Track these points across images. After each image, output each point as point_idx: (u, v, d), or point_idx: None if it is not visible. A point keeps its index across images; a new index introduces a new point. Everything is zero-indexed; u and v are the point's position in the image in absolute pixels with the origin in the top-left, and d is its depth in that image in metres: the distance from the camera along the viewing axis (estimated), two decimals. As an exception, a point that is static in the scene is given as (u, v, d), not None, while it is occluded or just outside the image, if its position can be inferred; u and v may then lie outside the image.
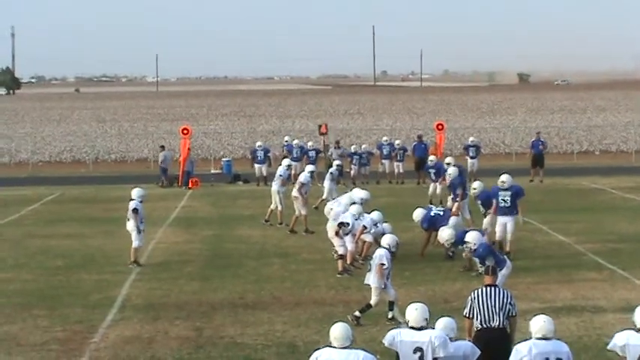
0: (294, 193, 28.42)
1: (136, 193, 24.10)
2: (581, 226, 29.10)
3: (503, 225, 23.99)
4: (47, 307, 19.62)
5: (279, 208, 29.82)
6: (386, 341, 11.75)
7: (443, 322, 12.09)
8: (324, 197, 31.70)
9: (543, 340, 11.39)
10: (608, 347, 11.58)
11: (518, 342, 11.72)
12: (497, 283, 13.52)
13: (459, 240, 21.89)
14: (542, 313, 12.09)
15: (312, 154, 42.14)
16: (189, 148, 44.84)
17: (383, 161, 43.46)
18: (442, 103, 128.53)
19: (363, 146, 44.66)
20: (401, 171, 42.91)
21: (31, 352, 16.39)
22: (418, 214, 24.60)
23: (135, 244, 23.79)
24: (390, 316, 17.68)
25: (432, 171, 34.62)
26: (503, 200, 24.01)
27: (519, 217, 24.27)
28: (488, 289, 13.09)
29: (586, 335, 16.74)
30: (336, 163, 34.53)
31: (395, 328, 12.40)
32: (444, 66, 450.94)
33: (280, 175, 30.03)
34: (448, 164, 30.22)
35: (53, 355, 16.33)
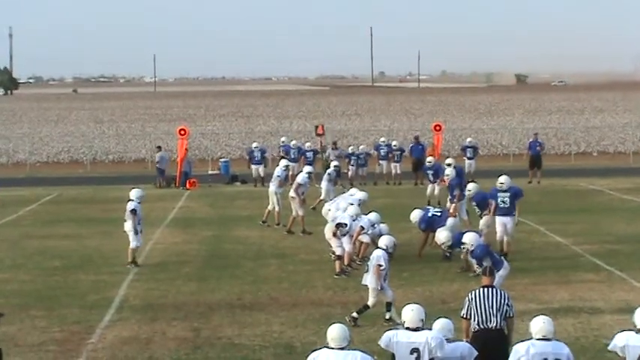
0: (292, 193, 28.43)
1: (134, 193, 24.09)
2: (579, 227, 29.11)
3: (503, 225, 23.97)
4: (45, 307, 19.62)
5: (277, 208, 29.82)
6: (382, 342, 11.75)
7: (440, 323, 12.10)
8: (321, 198, 31.73)
9: (543, 341, 11.41)
10: (609, 348, 11.61)
11: (516, 343, 11.73)
12: (494, 284, 13.53)
13: (456, 241, 21.91)
14: (542, 314, 12.10)
15: (309, 154, 42.15)
16: (186, 149, 44.86)
17: (380, 162, 43.47)
18: (440, 104, 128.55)
19: (361, 147, 44.69)
20: (398, 172, 42.92)
21: (28, 353, 16.39)
22: (416, 215, 24.61)
23: (132, 244, 23.78)
24: (387, 317, 17.69)
25: (430, 172, 34.65)
26: (502, 201, 24.00)
27: (515, 217, 24.25)
28: (486, 290, 13.10)
29: (583, 336, 16.75)
30: (333, 164, 34.55)
31: (391, 329, 12.40)
32: (442, 67, 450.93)
33: (278, 176, 30.03)
34: (449, 165, 30.15)
35: (51, 355, 16.33)
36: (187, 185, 42.64)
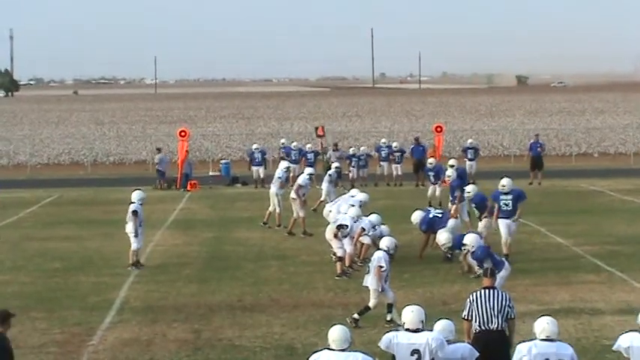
0: (293, 195, 28.42)
1: (136, 195, 24.10)
2: (580, 229, 29.10)
3: (507, 227, 23.87)
4: (45, 309, 19.61)
5: (278, 210, 29.81)
6: (382, 344, 11.75)
7: (441, 325, 12.09)
8: (322, 199, 31.72)
9: (546, 342, 11.42)
10: (614, 348, 11.68)
11: (519, 343, 11.75)
12: (495, 285, 13.52)
13: (457, 243, 21.89)
14: (547, 315, 12.12)
15: (310, 156, 42.13)
16: (187, 151, 44.85)
17: (381, 163, 43.47)
18: (441, 105, 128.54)
19: (362, 148, 44.68)
20: (399, 173, 42.91)
21: (29, 355, 16.37)
22: (417, 216, 24.61)
23: (134, 246, 23.79)
24: (388, 318, 17.69)
25: (431, 173, 34.64)
26: (505, 204, 23.89)
27: (516, 217, 24.16)
28: (487, 291, 13.09)
29: (584, 337, 16.73)
30: (334, 165, 34.53)
31: (392, 330, 12.39)
32: (443, 68, 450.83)
33: (279, 178, 30.02)
34: (451, 166, 30.07)
35: (51, 357, 16.33)
36: (188, 187, 42.64)
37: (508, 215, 23.88)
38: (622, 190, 39.40)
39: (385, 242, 18.07)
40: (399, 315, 12.04)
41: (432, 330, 11.86)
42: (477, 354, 12.02)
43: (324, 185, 32.13)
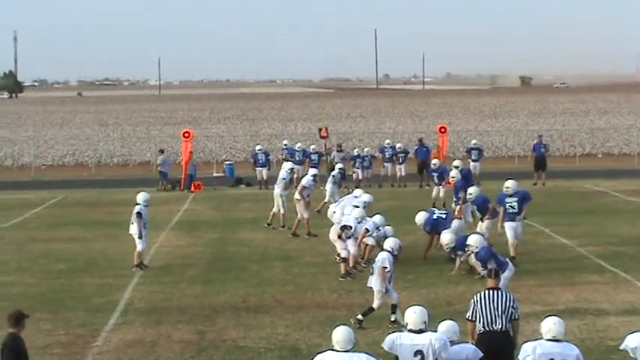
0: (297, 196, 28.42)
1: (141, 197, 24.12)
2: (584, 229, 29.09)
3: (513, 230, 23.81)
4: (50, 310, 19.62)
5: (282, 211, 29.83)
6: (385, 345, 11.76)
7: (445, 325, 12.10)
8: (326, 200, 31.73)
9: (552, 342, 11.44)
10: (621, 347, 11.72)
11: (524, 342, 11.77)
12: (499, 286, 13.52)
13: (459, 244, 21.87)
14: (553, 315, 12.13)
15: (314, 157, 42.12)
16: (190, 152, 44.87)
17: (385, 164, 43.47)
18: (444, 106, 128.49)
19: (366, 149, 44.67)
20: (403, 174, 42.91)
21: (34, 356, 16.29)
22: (421, 217, 24.61)
23: (139, 247, 23.81)
24: (392, 319, 17.69)
25: (435, 174, 34.62)
26: (511, 206, 23.80)
27: (521, 217, 24.12)
28: (491, 292, 13.09)
29: (588, 338, 16.73)
30: (338, 166, 34.49)
31: (395, 331, 12.39)
32: (447, 69, 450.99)
33: (283, 179, 30.02)
34: (456, 167, 29.99)
35: (56, 358, 16.34)
36: (192, 188, 42.67)
37: (514, 218, 23.81)
38: (626, 190, 39.37)
39: (389, 243, 18.08)
40: (403, 316, 12.03)
41: (435, 331, 11.87)
42: (481, 354, 12.02)
43: (328, 186, 32.15)
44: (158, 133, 77.40)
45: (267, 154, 43.34)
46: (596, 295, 20.17)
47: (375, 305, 17.66)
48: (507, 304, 12.98)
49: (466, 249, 21.10)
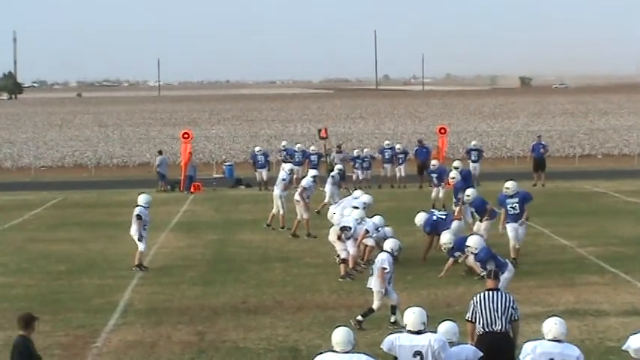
0: (296, 197, 28.42)
1: (142, 199, 24.11)
2: (584, 230, 29.09)
3: (515, 231, 23.77)
4: (49, 311, 19.60)
5: (281, 212, 29.83)
6: (384, 346, 11.76)
7: (445, 327, 12.10)
8: (326, 201, 31.74)
9: (553, 342, 11.44)
10: (623, 348, 11.75)
11: (525, 342, 11.78)
12: (499, 286, 13.52)
13: (457, 245, 21.85)
14: (554, 316, 12.14)
15: (314, 158, 42.12)
16: (190, 153, 44.85)
17: (385, 165, 43.46)
18: (444, 106, 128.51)
19: (365, 150, 44.65)
20: (403, 175, 42.89)
21: (33, 357, 16.37)
22: (420, 218, 24.59)
23: (140, 247, 23.81)
24: (392, 320, 17.69)
25: (434, 175, 34.58)
26: (512, 207, 23.75)
27: (522, 219, 24.09)
28: (491, 293, 13.09)
29: (588, 339, 16.72)
30: (337, 167, 34.52)
31: (394, 332, 12.39)
32: (446, 70, 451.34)
33: (283, 180, 30.02)
34: (456, 168, 29.96)
35: (56, 359, 16.33)
36: (192, 189, 42.66)
37: (515, 219, 23.75)
38: (626, 191, 39.37)
39: (389, 244, 18.08)
40: (403, 317, 12.03)
41: (435, 331, 11.87)
42: (481, 355, 12.03)
43: (327, 187, 32.16)
44: (158, 134, 77.44)
45: (266, 155, 43.34)
46: (596, 296, 20.16)
47: (374, 306, 17.66)
48: (507, 305, 12.98)
49: (465, 250, 21.09)
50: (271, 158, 45.48)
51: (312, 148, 44.47)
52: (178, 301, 20.52)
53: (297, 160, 41.80)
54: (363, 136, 70.06)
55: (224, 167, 48.04)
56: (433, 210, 26.33)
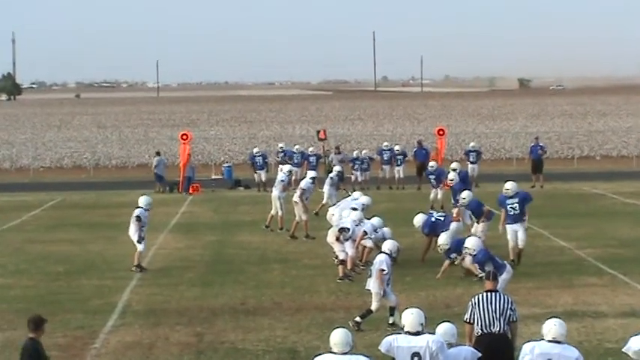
0: (295, 198, 28.42)
1: (142, 201, 24.10)
2: (582, 232, 29.10)
3: (514, 232, 23.76)
4: (48, 312, 19.48)
5: (280, 213, 29.83)
6: (382, 347, 11.76)
7: (443, 328, 12.11)
8: (324, 202, 31.74)
9: (551, 343, 11.45)
10: (623, 349, 11.74)
11: (524, 343, 11.79)
12: (498, 288, 13.53)
13: (454, 246, 21.84)
14: (554, 317, 12.14)
15: (312, 159, 42.13)
16: (189, 154, 44.84)
17: (383, 167, 43.44)
18: (443, 108, 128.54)
19: (364, 152, 44.63)
20: (401, 176, 42.88)
21: (31, 358, 16.36)
22: (419, 219, 24.58)
23: (139, 248, 23.81)
24: (390, 321, 17.69)
25: (433, 177, 34.56)
26: (512, 208, 23.74)
27: (525, 222, 24.06)
28: (489, 294, 13.10)
29: (587, 340, 16.72)
30: (336, 168, 34.52)
31: (392, 333, 12.39)
32: (445, 71, 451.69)
33: (282, 181, 30.03)
34: (454, 170, 29.95)
35: (54, 360, 16.33)
36: (190, 190, 42.65)
37: (516, 220, 23.74)
38: (624, 193, 39.38)
39: (387, 245, 18.08)
40: (401, 318, 12.03)
41: (433, 333, 11.88)
42: (479, 356, 12.03)
43: (326, 188, 32.16)
44: (156, 136, 77.44)
45: (265, 157, 43.33)
46: (595, 298, 20.17)
47: (373, 307, 17.66)
48: (505, 306, 12.99)
49: (463, 252, 21.09)
50: (270, 160, 45.44)
51: (310, 149, 44.47)
52: (177, 302, 20.52)
53: (295, 161, 41.80)
54: (361, 137, 70.06)
55: (223, 168, 48.04)
56: (432, 211, 26.32)
